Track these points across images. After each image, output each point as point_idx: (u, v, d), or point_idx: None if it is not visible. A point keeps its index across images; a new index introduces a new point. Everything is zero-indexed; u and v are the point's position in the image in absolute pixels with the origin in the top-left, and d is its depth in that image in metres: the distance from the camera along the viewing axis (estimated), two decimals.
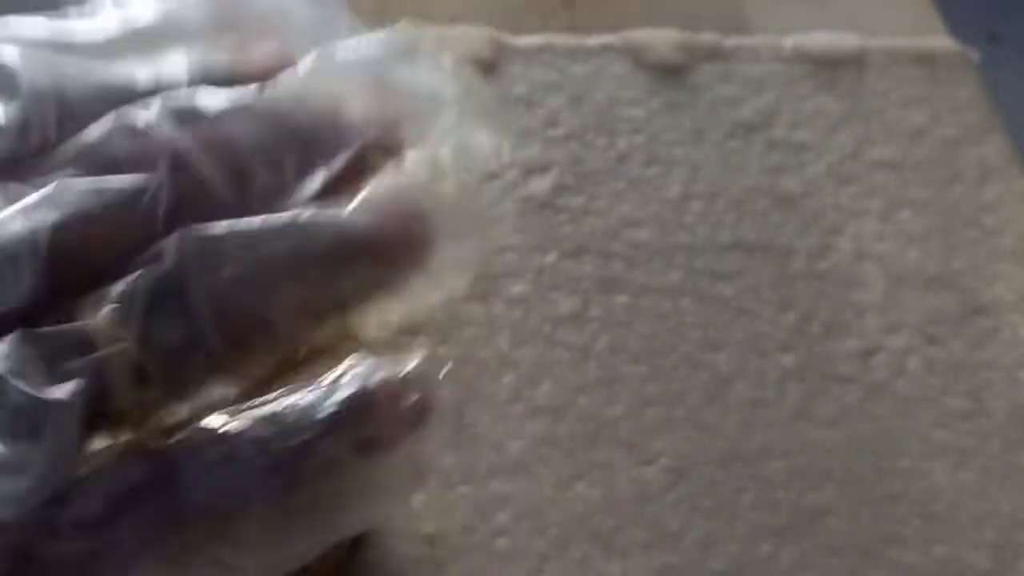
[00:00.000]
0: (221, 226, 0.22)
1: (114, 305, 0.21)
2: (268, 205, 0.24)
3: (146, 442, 0.22)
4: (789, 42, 0.57)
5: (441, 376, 0.26)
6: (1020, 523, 0.45)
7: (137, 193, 0.22)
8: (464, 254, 0.26)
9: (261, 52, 0.26)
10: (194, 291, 0.22)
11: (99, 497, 0.22)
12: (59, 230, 0.21)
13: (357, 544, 0.39)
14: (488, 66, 0.53)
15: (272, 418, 0.23)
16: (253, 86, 0.25)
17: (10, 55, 0.23)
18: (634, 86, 0.54)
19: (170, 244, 0.22)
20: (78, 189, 0.22)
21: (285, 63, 0.27)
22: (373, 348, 0.25)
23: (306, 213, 0.23)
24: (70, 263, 0.22)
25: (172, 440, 0.23)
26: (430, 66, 0.27)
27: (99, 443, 0.22)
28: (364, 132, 0.26)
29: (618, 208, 0.50)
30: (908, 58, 0.58)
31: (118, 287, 0.21)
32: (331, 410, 0.24)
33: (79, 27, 0.25)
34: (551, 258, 0.48)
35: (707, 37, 0.56)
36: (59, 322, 0.21)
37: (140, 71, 0.25)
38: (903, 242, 0.52)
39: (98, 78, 0.24)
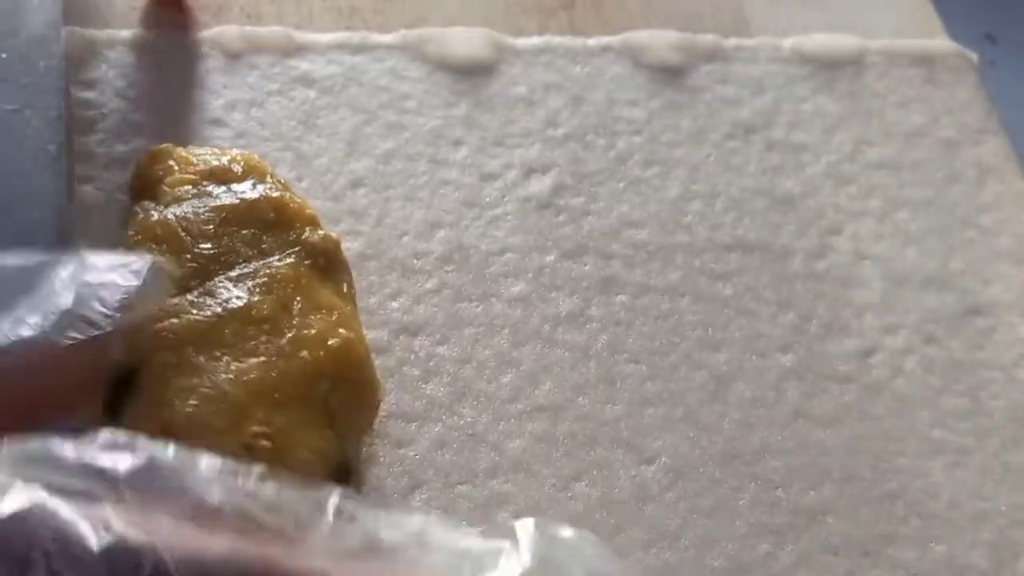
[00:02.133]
0: None
1: None
2: None
3: None
4: (788, 43, 0.57)
5: None
6: (1018, 522, 0.45)
7: None
8: None
9: None
10: None
11: None
12: None
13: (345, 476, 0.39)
14: (488, 67, 0.53)
15: None
16: None
17: None
18: (633, 87, 0.54)
19: None
20: None
21: None
22: None
23: None
24: None
25: None
26: None
27: None
28: None
29: (617, 208, 0.50)
30: (907, 59, 0.58)
31: None
32: None
33: None
34: (551, 258, 0.48)
35: (706, 38, 0.56)
36: None
37: None
38: (901, 242, 0.52)
39: None
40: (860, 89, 0.56)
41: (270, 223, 0.40)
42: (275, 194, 0.41)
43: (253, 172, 0.42)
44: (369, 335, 0.45)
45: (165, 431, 0.35)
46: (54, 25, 0.51)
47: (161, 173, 0.42)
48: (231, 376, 0.36)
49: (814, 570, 0.42)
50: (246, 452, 0.35)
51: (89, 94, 0.48)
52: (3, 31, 0.52)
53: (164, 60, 0.50)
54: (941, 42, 0.59)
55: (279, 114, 0.50)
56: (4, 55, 0.51)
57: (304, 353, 0.37)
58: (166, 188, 0.41)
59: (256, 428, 0.36)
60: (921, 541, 0.44)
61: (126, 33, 0.50)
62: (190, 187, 0.41)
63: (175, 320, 0.37)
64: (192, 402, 0.36)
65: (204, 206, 0.40)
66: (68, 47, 0.49)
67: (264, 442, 0.35)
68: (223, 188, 0.41)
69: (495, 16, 0.55)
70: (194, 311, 0.38)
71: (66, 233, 0.46)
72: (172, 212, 0.40)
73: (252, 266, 0.39)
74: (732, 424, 0.45)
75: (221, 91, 0.50)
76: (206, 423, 0.35)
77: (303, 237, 0.40)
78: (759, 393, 0.46)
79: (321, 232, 0.41)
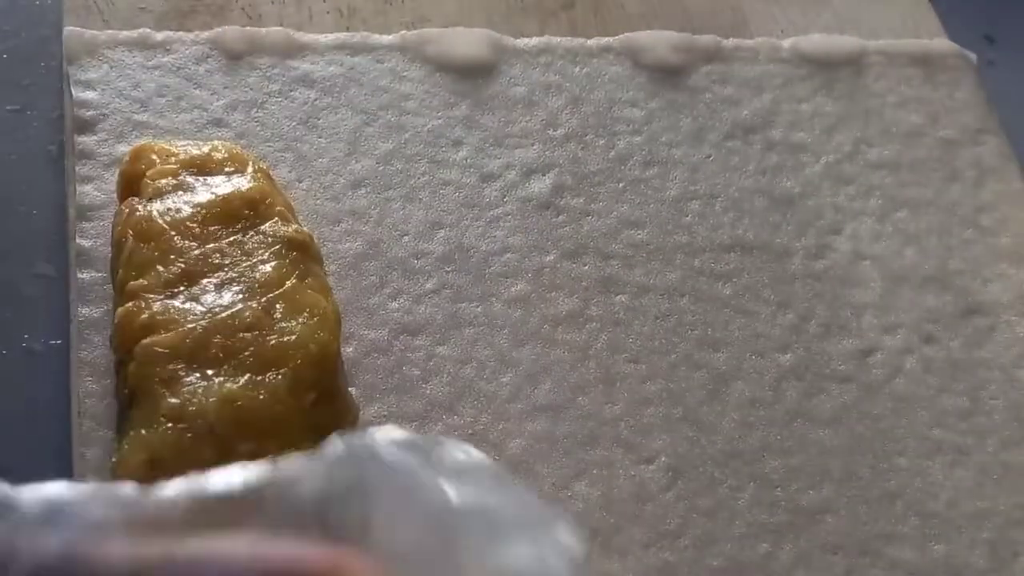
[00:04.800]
0: None
1: None
2: None
3: None
4: (787, 43, 0.57)
5: None
6: (1017, 521, 0.45)
7: None
8: None
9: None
10: None
11: None
12: None
13: None
14: (488, 68, 0.53)
15: None
16: None
17: None
18: (633, 87, 0.54)
19: None
20: None
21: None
22: None
23: None
24: None
25: None
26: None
27: None
28: None
29: (617, 208, 0.50)
30: (906, 59, 0.58)
31: None
32: None
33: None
34: (551, 258, 0.48)
35: (706, 39, 0.56)
36: None
37: None
38: (900, 242, 0.52)
39: None
40: (859, 89, 0.56)
41: (248, 218, 0.41)
42: (251, 185, 0.41)
43: (234, 161, 0.43)
44: (369, 335, 0.45)
45: (153, 465, 0.35)
46: (55, 25, 0.51)
47: (144, 168, 0.42)
48: (218, 402, 0.36)
49: (813, 569, 0.42)
50: None
51: (90, 94, 0.48)
52: (4, 31, 0.52)
53: (165, 60, 0.50)
54: (940, 42, 0.59)
55: (280, 115, 0.50)
56: (5, 55, 0.51)
57: (289, 366, 0.37)
58: (148, 180, 0.41)
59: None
60: (920, 540, 0.44)
61: (127, 33, 0.50)
62: (171, 179, 0.41)
63: (164, 332, 0.37)
64: (181, 426, 0.36)
65: (185, 201, 0.41)
66: (69, 47, 0.50)
67: None
68: (202, 180, 0.42)
69: (495, 17, 0.56)
70: (181, 320, 0.38)
71: (65, 233, 0.46)
72: (155, 208, 0.40)
73: (238, 270, 0.39)
74: (731, 424, 0.45)
75: (222, 91, 0.50)
76: (192, 455, 0.35)
77: (279, 233, 0.40)
78: (758, 393, 0.46)
79: (294, 226, 0.41)
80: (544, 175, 0.51)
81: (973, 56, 0.59)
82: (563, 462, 0.43)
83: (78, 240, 0.45)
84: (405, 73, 0.52)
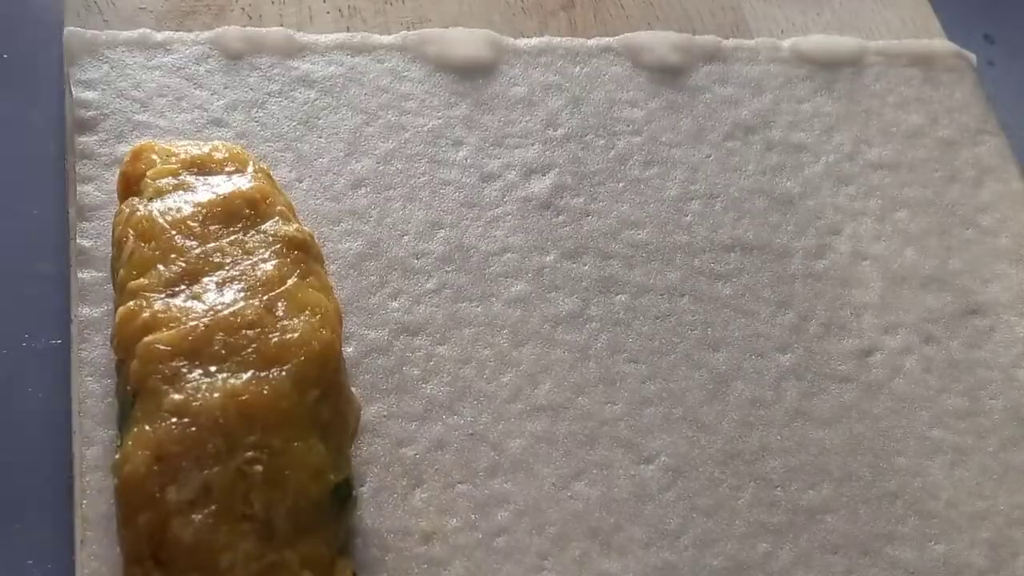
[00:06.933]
0: None
1: None
2: None
3: None
4: (787, 44, 0.57)
5: None
6: (1017, 521, 0.45)
7: None
8: None
9: None
10: None
11: None
12: None
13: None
14: (488, 67, 0.53)
15: None
16: None
17: None
18: (633, 87, 0.54)
19: None
20: None
21: None
22: None
23: None
24: None
25: None
26: None
27: None
28: None
29: (617, 208, 0.50)
30: (905, 59, 0.58)
31: None
32: None
33: None
34: (551, 258, 0.48)
35: (705, 39, 0.56)
36: None
37: None
38: (900, 242, 0.52)
39: None
40: (859, 89, 0.56)
41: (249, 218, 0.41)
42: (252, 184, 0.42)
43: (234, 160, 0.43)
44: (369, 335, 0.45)
45: (159, 459, 0.35)
46: (55, 25, 0.51)
47: (144, 168, 0.42)
48: (223, 397, 0.36)
49: (813, 569, 0.42)
50: (241, 478, 0.35)
51: (90, 94, 0.48)
52: (4, 31, 0.52)
53: (165, 60, 0.50)
54: (940, 43, 0.59)
55: (280, 115, 0.50)
56: (5, 55, 0.51)
57: (292, 362, 0.37)
58: (148, 180, 0.42)
59: (250, 454, 0.36)
60: (920, 540, 0.44)
61: (127, 33, 0.50)
62: (171, 178, 0.41)
63: (165, 330, 0.37)
64: (185, 420, 0.36)
65: (186, 201, 0.41)
66: (69, 47, 0.50)
67: (257, 467, 0.35)
68: (203, 180, 0.42)
69: (495, 16, 0.56)
70: (183, 318, 0.38)
71: (65, 233, 0.46)
72: (156, 207, 0.40)
73: (239, 268, 0.39)
74: (731, 424, 0.45)
75: (222, 91, 0.50)
76: (198, 449, 0.35)
77: (280, 233, 0.40)
78: (758, 393, 0.46)
79: (295, 225, 0.41)
80: (544, 175, 0.51)
81: (973, 56, 0.59)
82: (563, 462, 0.43)
83: (78, 240, 0.45)
84: (405, 73, 0.52)
